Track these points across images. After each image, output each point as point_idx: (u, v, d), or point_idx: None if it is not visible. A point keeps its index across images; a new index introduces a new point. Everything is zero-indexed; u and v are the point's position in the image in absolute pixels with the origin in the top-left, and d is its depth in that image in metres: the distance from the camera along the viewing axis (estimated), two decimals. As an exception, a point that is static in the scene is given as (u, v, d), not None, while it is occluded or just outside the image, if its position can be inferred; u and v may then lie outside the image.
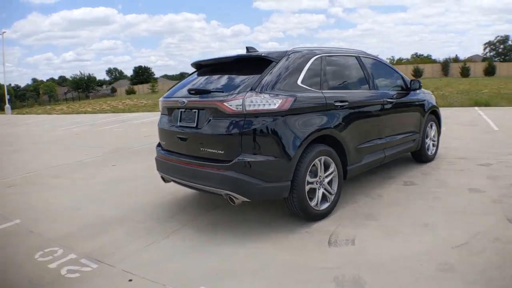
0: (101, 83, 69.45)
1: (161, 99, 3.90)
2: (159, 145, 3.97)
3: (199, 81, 3.65)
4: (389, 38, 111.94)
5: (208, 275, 2.61)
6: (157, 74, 76.58)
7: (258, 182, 2.99)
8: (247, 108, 2.95)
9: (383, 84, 4.42)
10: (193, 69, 4.05)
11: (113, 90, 61.69)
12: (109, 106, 25.68)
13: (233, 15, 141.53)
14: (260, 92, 3.02)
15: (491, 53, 64.17)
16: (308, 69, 3.43)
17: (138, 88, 58.15)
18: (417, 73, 43.02)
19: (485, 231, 2.96)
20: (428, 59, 61.41)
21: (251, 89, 3.02)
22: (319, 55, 3.63)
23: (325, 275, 2.50)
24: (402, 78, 4.81)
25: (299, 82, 3.31)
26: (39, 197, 4.78)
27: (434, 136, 5.40)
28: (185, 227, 3.47)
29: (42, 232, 3.55)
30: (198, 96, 3.36)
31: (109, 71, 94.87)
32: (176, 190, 4.47)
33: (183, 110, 3.47)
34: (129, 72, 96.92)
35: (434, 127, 5.36)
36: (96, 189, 4.99)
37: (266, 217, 3.59)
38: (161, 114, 3.92)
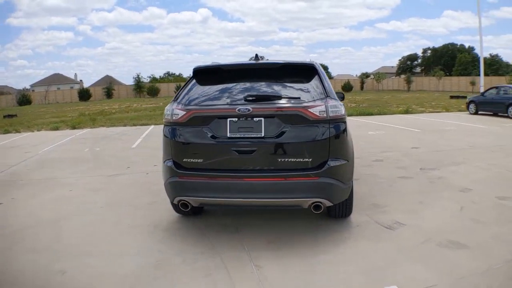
0: None
1: (183, 108, 3.49)
2: (177, 165, 3.51)
3: (240, 87, 3.60)
4: (136, 57, 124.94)
5: (372, 275, 2.91)
6: None
7: (341, 185, 3.41)
8: (330, 114, 3.34)
9: None
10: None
11: None
12: None
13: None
14: (333, 99, 3.50)
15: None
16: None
17: None
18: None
19: (463, 198, 4.56)
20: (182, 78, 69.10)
21: (327, 96, 3.45)
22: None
23: (429, 245, 3.33)
24: None
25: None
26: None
27: None
28: (254, 252, 3.34)
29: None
30: (262, 103, 3.38)
31: None
32: (155, 219, 4.26)
33: (234, 119, 3.36)
34: None
35: None
36: (38, 236, 3.83)
37: (299, 225, 3.95)
38: (181, 126, 3.49)
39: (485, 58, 62.43)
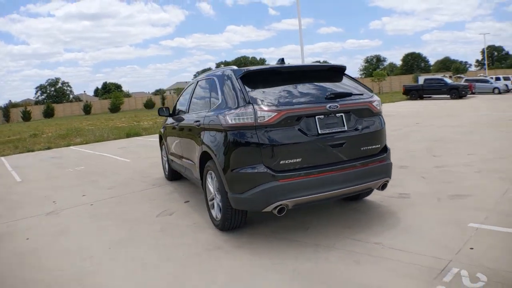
0: None
1: (271, 108, 3.47)
2: (272, 169, 3.44)
3: (307, 86, 3.89)
4: None
5: (449, 224, 3.77)
6: None
7: None
8: (380, 107, 4.09)
9: None
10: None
11: None
12: None
13: None
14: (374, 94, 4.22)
15: (43, 96, 72.84)
16: None
17: None
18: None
19: (411, 172, 6.02)
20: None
21: (372, 92, 4.14)
22: None
23: (445, 200, 4.51)
24: None
25: None
26: None
27: None
28: (354, 235, 3.68)
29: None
30: (342, 99, 3.77)
31: None
32: (194, 244, 3.94)
33: (321, 116, 3.63)
34: None
35: None
36: None
37: (342, 210, 4.53)
38: (271, 128, 3.45)
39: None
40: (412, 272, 2.97)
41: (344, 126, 3.73)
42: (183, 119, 5.24)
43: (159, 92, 78.91)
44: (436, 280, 2.84)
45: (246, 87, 3.73)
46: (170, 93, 71.67)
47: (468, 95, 26.45)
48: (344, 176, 3.66)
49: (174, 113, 6.02)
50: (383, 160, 3.96)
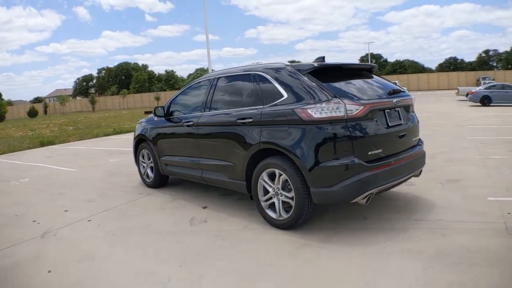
0: None
1: (358, 103, 3.52)
2: (362, 159, 3.45)
3: (365, 82, 4.01)
4: None
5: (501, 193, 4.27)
6: None
7: None
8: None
9: None
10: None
11: None
12: None
13: None
14: None
15: None
16: None
17: None
18: None
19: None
20: None
21: None
22: None
23: (448, 184, 5.09)
24: None
25: None
26: None
27: None
28: (413, 217, 3.88)
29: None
30: (399, 95, 4.01)
31: None
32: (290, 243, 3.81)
33: (388, 110, 3.80)
34: None
35: None
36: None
37: (394, 198, 4.70)
38: (358, 121, 3.49)
39: (161, 74, 72.40)
40: (489, 233, 3.44)
41: (401, 119, 3.96)
42: (199, 118, 4.75)
43: (37, 100, 69.78)
44: (510, 234, 3.35)
45: (324, 79, 3.70)
46: (50, 100, 63.65)
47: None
48: (409, 164, 3.93)
49: (169, 114, 5.43)
50: (423, 149, 4.32)
